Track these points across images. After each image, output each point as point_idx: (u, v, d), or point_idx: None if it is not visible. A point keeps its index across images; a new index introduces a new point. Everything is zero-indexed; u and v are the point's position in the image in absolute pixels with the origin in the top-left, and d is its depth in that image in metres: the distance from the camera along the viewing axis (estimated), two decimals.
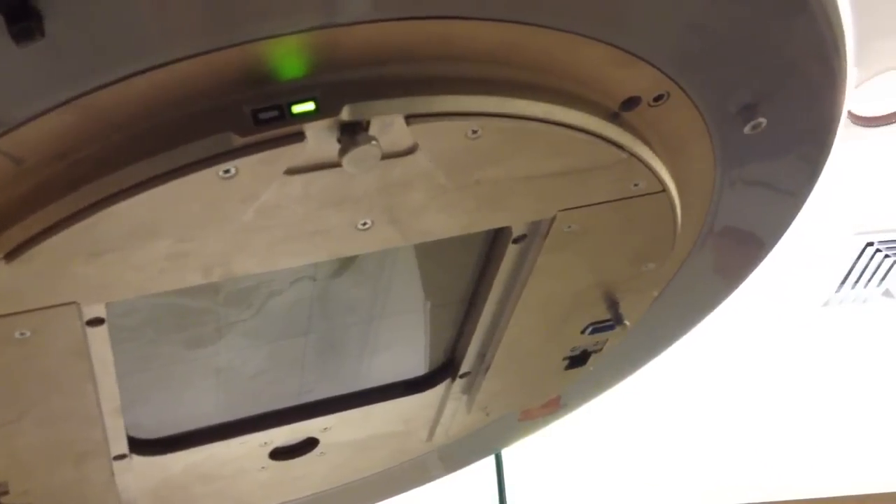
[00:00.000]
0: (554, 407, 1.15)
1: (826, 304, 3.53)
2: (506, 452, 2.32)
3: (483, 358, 0.93)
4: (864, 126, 2.47)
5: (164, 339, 0.78)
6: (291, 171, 0.55)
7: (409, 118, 0.55)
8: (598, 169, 0.67)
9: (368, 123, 0.53)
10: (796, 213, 0.87)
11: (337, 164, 0.55)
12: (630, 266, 0.83)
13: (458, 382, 0.97)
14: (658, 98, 0.66)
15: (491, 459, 2.19)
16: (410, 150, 0.57)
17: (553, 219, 0.70)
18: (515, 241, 0.74)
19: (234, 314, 0.78)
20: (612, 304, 0.87)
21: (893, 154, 2.63)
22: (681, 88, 0.66)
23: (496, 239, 0.77)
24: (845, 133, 2.75)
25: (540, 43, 0.59)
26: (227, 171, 0.53)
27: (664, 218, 0.77)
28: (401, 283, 0.83)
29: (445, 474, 1.25)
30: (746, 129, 0.71)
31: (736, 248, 0.98)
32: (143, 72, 0.51)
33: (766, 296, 3.62)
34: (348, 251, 0.67)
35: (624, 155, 0.66)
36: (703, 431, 4.27)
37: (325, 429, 0.96)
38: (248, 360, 0.86)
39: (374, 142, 0.54)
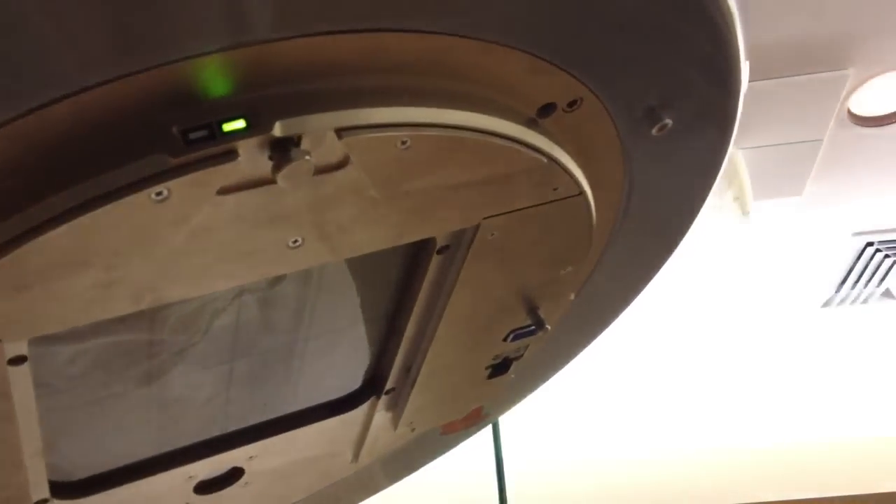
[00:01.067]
0: (476, 418, 1.14)
1: (826, 304, 3.53)
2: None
3: (408, 372, 0.92)
4: (864, 126, 2.47)
5: (83, 377, 0.76)
6: (223, 191, 0.54)
7: (341, 132, 0.55)
8: (520, 175, 0.68)
9: (300, 138, 0.53)
10: (700, 206, 0.89)
11: (270, 182, 0.54)
12: (549, 270, 0.84)
13: (384, 399, 0.96)
14: (572, 104, 0.68)
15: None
16: (342, 165, 0.57)
17: (477, 227, 0.71)
18: (440, 251, 0.74)
19: (157, 347, 0.76)
20: (533, 310, 0.88)
21: (893, 154, 2.63)
22: (593, 94, 0.68)
23: (419, 251, 0.77)
24: (845, 133, 2.76)
25: (462, 53, 0.60)
26: (159, 194, 0.52)
27: (581, 221, 0.78)
28: (323, 302, 0.82)
29: (367, 496, 1.24)
30: (654, 131, 0.73)
31: (645, 245, 0.99)
32: (60, 99, 0.49)
33: (766, 296, 3.62)
34: (280, 270, 0.66)
35: (544, 160, 0.67)
36: (702, 431, 4.27)
37: (251, 457, 0.94)
38: (171, 392, 0.84)
39: (307, 157, 0.54)
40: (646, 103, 0.72)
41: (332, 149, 0.55)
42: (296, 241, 0.61)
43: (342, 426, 0.96)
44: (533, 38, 0.61)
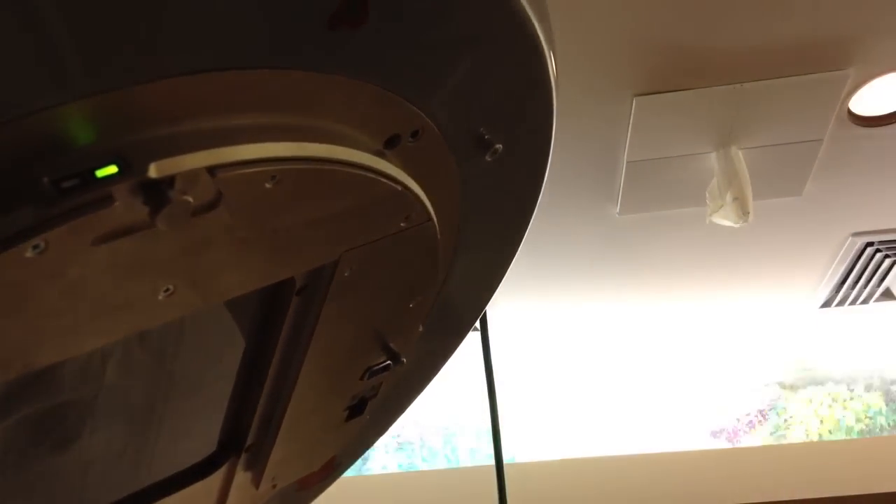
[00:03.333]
0: (330, 469, 1.11)
1: (826, 304, 3.54)
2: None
3: (269, 425, 0.89)
4: (864, 126, 2.48)
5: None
6: (98, 241, 0.52)
7: (214, 170, 0.54)
8: (376, 204, 0.69)
9: (173, 180, 0.52)
10: (531, 214, 0.93)
11: (145, 227, 0.53)
12: (401, 302, 0.84)
13: (244, 458, 0.92)
14: (414, 134, 0.70)
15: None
16: (213, 205, 0.56)
17: (337, 262, 0.71)
18: (298, 292, 0.73)
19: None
20: (386, 345, 0.87)
21: (893, 154, 2.64)
22: (432, 123, 0.71)
23: (277, 295, 0.75)
24: (845, 133, 2.76)
25: (313, 86, 0.61)
26: (36, 247, 0.49)
27: (430, 249, 0.79)
28: (182, 356, 0.80)
29: None
30: (487, 157, 0.77)
31: (481, 265, 1.00)
32: None
33: (766, 296, 3.63)
34: (152, 322, 0.64)
35: (398, 188, 0.69)
36: (702, 431, 4.27)
37: None
38: (23, 476, 0.80)
39: (185, 196, 0.53)
40: (479, 130, 0.75)
41: (205, 189, 0.54)
42: (167, 290, 0.60)
43: (201, 492, 0.92)
44: (377, 70, 0.64)
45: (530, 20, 0.69)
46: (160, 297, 0.60)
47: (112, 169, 0.50)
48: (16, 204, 0.49)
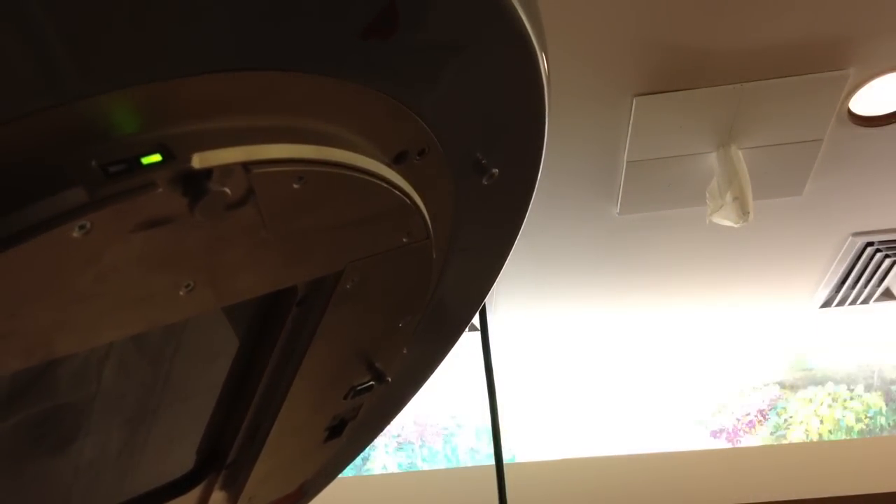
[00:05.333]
0: (298, 496, 1.08)
1: (826, 304, 3.54)
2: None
3: (253, 441, 0.87)
4: (864, 126, 2.48)
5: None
6: (136, 228, 0.54)
7: (249, 166, 0.56)
8: (386, 215, 0.69)
9: (211, 172, 0.54)
10: (515, 238, 0.94)
11: (183, 216, 0.54)
12: (392, 321, 0.84)
13: (224, 474, 0.90)
14: (421, 152, 0.71)
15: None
16: (242, 202, 0.57)
17: (341, 273, 0.71)
18: (299, 303, 0.73)
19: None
20: (371, 364, 0.86)
21: (893, 154, 2.64)
22: (438, 143, 0.71)
23: (276, 305, 0.75)
24: (845, 133, 2.76)
25: (336, 93, 0.62)
26: (82, 227, 0.50)
27: (424, 267, 0.79)
28: (174, 371, 0.79)
29: None
30: (484, 180, 0.78)
31: (468, 279, 0.99)
32: None
33: (766, 296, 3.63)
34: (168, 319, 0.64)
35: (408, 201, 0.69)
36: (702, 431, 4.27)
37: None
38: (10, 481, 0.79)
39: (225, 188, 0.54)
40: (478, 154, 0.76)
41: (239, 183, 0.56)
42: (188, 286, 0.61)
43: None
44: (395, 81, 0.64)
45: (533, 47, 0.69)
46: (181, 293, 0.60)
47: (156, 157, 0.52)
48: (64, 184, 0.50)
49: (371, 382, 0.88)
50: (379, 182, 0.66)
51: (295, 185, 0.59)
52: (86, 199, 0.50)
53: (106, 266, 0.54)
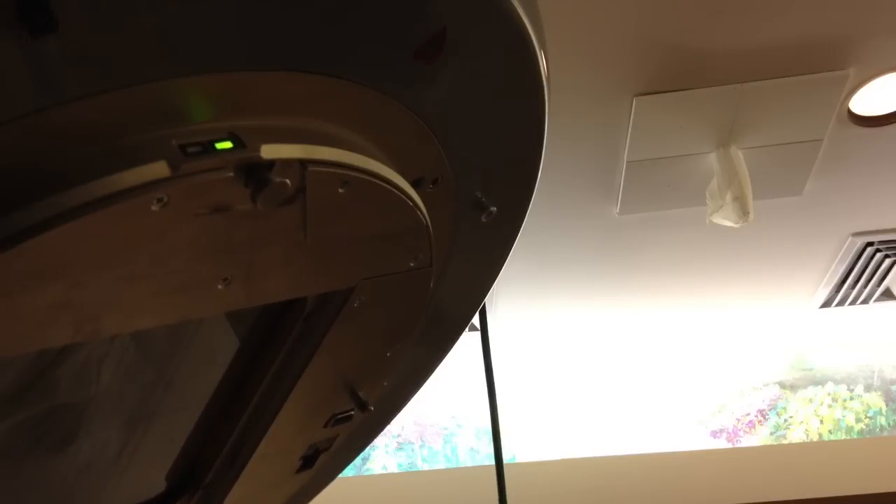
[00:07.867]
0: None
1: (826, 304, 3.54)
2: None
3: (233, 463, 0.86)
4: (864, 126, 2.48)
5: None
6: (201, 211, 0.55)
7: (307, 163, 0.58)
8: (403, 235, 0.70)
9: (273, 165, 0.56)
10: (501, 268, 0.94)
11: (244, 203, 0.56)
12: (382, 349, 0.83)
13: (198, 495, 0.89)
14: (435, 181, 0.73)
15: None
16: (290, 200, 0.59)
17: (353, 289, 0.71)
18: (307, 318, 0.73)
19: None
20: (354, 392, 0.85)
21: (893, 154, 2.64)
22: (451, 173, 0.73)
23: (280, 319, 0.75)
24: (845, 133, 2.76)
25: (380, 108, 0.64)
26: (160, 200, 0.52)
27: (421, 296, 0.79)
28: (167, 380, 0.79)
29: None
30: (483, 218, 0.79)
31: (464, 290, 0.99)
32: (46, 109, 0.50)
33: (766, 296, 3.63)
34: (200, 312, 0.65)
35: (425, 223, 0.70)
36: (702, 431, 4.27)
37: None
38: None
39: (287, 180, 0.56)
40: (479, 190, 0.78)
41: (293, 179, 0.57)
42: (226, 280, 0.62)
43: None
44: (426, 101, 0.67)
45: (533, 47, 0.70)
46: (218, 286, 0.62)
47: (228, 144, 0.55)
48: (146, 158, 0.52)
49: (351, 412, 0.87)
50: (407, 200, 0.67)
51: (340, 190, 0.61)
52: (167, 174, 0.52)
53: (166, 246, 0.56)
